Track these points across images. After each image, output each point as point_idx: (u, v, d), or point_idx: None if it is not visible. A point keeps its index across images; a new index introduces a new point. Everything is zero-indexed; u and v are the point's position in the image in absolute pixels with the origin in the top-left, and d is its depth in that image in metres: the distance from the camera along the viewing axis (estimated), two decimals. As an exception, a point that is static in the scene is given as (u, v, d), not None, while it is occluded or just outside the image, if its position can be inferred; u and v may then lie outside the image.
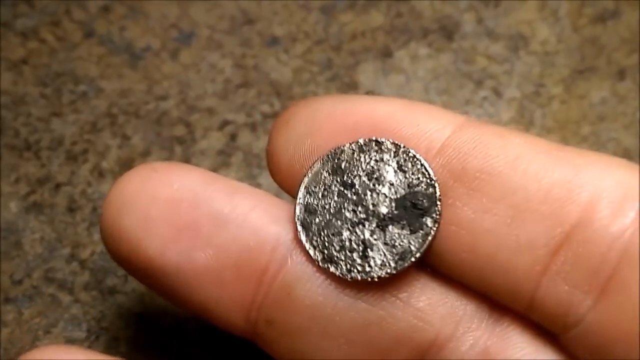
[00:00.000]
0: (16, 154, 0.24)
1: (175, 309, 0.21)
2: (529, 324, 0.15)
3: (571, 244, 0.14)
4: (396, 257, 0.15)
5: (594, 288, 0.14)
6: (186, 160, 0.24)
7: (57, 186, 0.23)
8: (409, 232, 0.15)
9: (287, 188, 0.17)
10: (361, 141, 0.16)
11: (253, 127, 0.24)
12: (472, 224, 0.15)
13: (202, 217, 0.15)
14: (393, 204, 0.15)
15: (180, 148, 0.24)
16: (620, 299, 0.14)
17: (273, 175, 0.17)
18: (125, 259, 0.16)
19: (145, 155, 0.24)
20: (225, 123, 0.24)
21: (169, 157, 0.24)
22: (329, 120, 0.16)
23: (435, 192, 0.15)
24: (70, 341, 0.21)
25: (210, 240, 0.15)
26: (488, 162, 0.15)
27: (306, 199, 0.16)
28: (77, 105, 0.25)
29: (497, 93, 0.24)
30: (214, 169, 0.23)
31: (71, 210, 0.23)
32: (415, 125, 0.15)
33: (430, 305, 0.15)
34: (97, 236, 0.22)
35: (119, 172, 0.23)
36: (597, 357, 0.14)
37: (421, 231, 0.15)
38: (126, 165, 0.23)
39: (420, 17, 0.26)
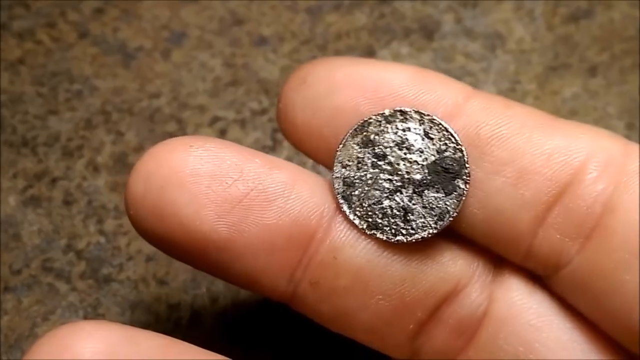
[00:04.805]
0: (14, 150, 0.25)
1: (167, 296, 0.22)
2: (523, 274, 0.17)
3: (564, 200, 0.16)
4: (435, 218, 0.16)
5: (581, 235, 0.16)
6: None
7: (54, 180, 0.24)
8: (444, 195, 0.16)
9: (303, 147, 0.17)
10: (386, 112, 0.16)
11: (242, 123, 0.25)
12: (484, 184, 0.16)
13: (251, 192, 0.16)
14: (425, 170, 0.16)
15: (172, 143, 0.25)
16: (601, 243, 0.16)
17: (287, 134, 0.17)
18: (169, 237, 0.16)
19: (138, 150, 0.25)
20: (216, 119, 0.25)
21: (162, 152, 0.24)
22: (348, 81, 0.16)
23: (463, 156, 0.16)
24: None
25: (262, 214, 0.16)
26: (498, 129, 0.16)
27: (342, 173, 0.17)
28: (72, 103, 0.26)
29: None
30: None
31: (67, 203, 0.24)
32: (432, 92, 0.17)
33: (452, 259, 0.17)
34: (92, 228, 0.23)
35: (113, 166, 0.24)
36: (580, 294, 0.16)
37: (455, 192, 0.16)
38: (120, 160, 0.24)
39: (402, 18, 0.27)
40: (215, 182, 0.16)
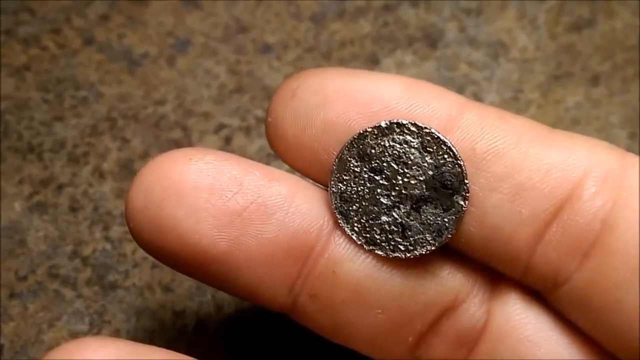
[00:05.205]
0: (20, 156, 0.25)
1: (173, 303, 0.22)
2: (521, 289, 0.17)
3: (562, 217, 0.16)
4: (434, 235, 0.16)
5: (580, 253, 0.16)
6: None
7: (60, 187, 0.24)
8: (442, 211, 0.16)
9: (293, 162, 0.17)
10: (383, 124, 0.16)
11: (247, 130, 0.25)
12: (480, 201, 0.16)
13: (250, 205, 0.16)
14: (424, 186, 0.16)
15: (177, 150, 0.25)
16: (600, 261, 0.16)
17: (277, 149, 0.17)
18: (169, 250, 0.16)
19: (144, 157, 0.25)
20: (221, 127, 0.25)
21: (167, 159, 0.25)
22: (340, 94, 0.16)
23: (462, 171, 0.16)
24: (74, 334, 0.22)
25: (262, 228, 0.16)
26: (494, 144, 0.16)
27: (339, 187, 0.16)
28: (78, 110, 0.26)
29: (478, 98, 0.26)
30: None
31: (73, 209, 0.24)
32: (426, 105, 0.16)
33: (451, 274, 0.17)
34: (98, 234, 0.23)
35: (118, 173, 0.24)
36: (579, 311, 0.16)
37: (453, 209, 0.16)
38: (126, 166, 0.25)
39: (405, 26, 0.27)
40: (215, 195, 0.16)
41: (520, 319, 0.17)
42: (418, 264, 0.17)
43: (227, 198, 0.16)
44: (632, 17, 0.27)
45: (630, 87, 0.26)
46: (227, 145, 0.25)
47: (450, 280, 0.17)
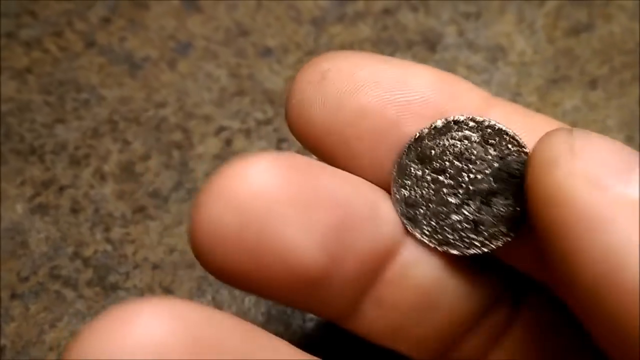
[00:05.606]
0: (22, 158, 0.25)
1: (173, 304, 0.22)
2: (545, 295, 0.17)
3: None
4: (508, 225, 0.16)
5: None
6: (184, 164, 0.25)
7: (61, 189, 0.24)
8: (512, 201, 0.16)
9: (320, 148, 0.16)
10: (439, 123, 0.16)
11: (247, 133, 0.26)
12: None
13: (343, 216, 0.15)
14: (491, 179, 0.16)
15: (178, 153, 0.25)
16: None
17: (301, 133, 0.16)
18: (259, 273, 0.14)
19: (144, 159, 0.25)
20: (221, 129, 0.26)
21: (168, 162, 0.25)
22: (372, 79, 0.16)
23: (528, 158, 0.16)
24: (75, 334, 0.22)
25: (354, 239, 0.15)
26: (523, 137, 0.16)
27: (402, 194, 0.16)
28: (79, 112, 0.26)
29: (477, 101, 0.26)
30: (211, 173, 0.25)
31: (75, 211, 0.24)
32: (456, 98, 0.16)
33: (497, 275, 0.17)
34: (99, 235, 0.24)
35: (119, 175, 0.25)
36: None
37: (524, 197, 0.15)
38: (127, 169, 0.25)
39: (405, 30, 0.28)
40: (310, 208, 0.14)
41: (541, 324, 0.17)
42: (475, 265, 0.17)
43: (322, 210, 0.14)
44: (630, 21, 0.28)
45: (628, 90, 0.26)
46: (227, 147, 0.25)
47: (496, 281, 0.17)
